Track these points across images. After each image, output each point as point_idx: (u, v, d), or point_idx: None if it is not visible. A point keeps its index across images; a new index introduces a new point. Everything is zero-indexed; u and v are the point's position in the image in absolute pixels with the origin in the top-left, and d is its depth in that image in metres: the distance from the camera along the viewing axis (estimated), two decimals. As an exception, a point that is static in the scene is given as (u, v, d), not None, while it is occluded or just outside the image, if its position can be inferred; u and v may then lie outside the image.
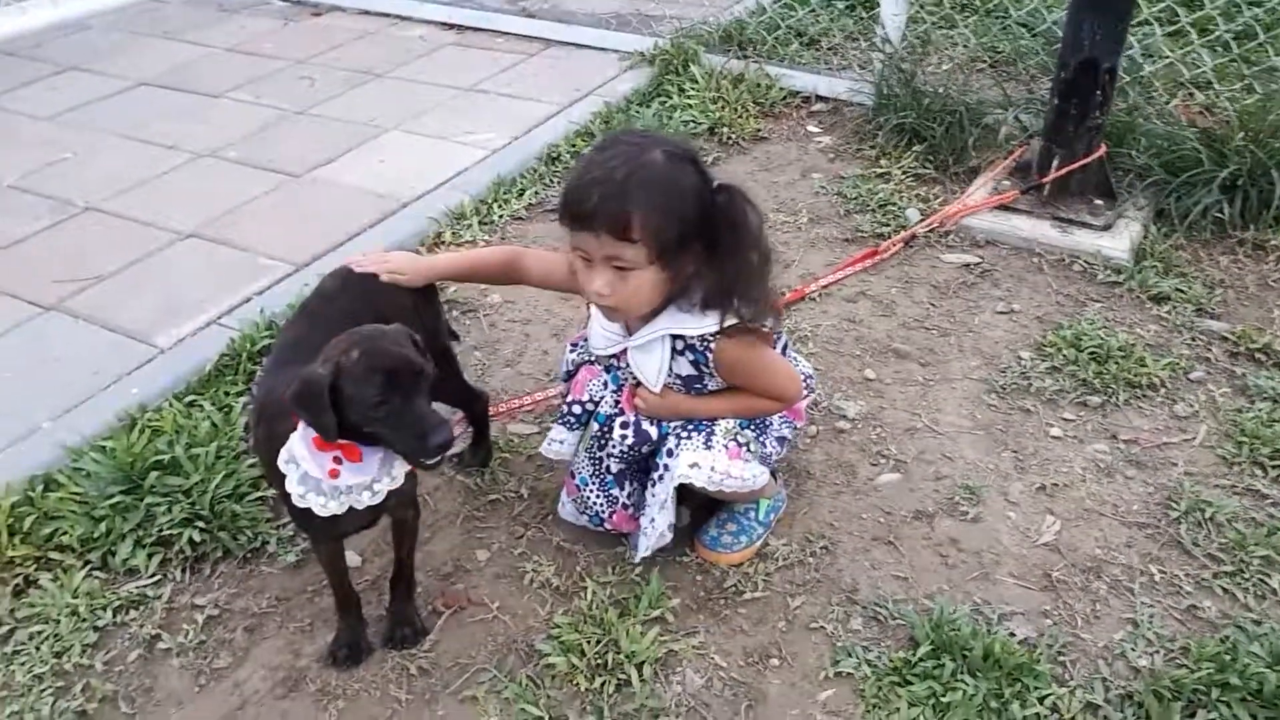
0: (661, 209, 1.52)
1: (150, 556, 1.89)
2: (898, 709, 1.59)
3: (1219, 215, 2.75)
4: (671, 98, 3.59)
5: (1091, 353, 2.34)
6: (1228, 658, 1.61)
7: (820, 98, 3.64)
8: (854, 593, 1.81)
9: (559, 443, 1.88)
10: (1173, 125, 2.98)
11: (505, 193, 3.08)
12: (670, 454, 1.74)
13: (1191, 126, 2.94)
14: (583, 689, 1.64)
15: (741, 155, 3.33)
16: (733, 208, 1.58)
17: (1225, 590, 1.79)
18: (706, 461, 1.72)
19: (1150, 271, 2.63)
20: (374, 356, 1.42)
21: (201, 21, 4.60)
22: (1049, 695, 1.60)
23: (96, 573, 1.88)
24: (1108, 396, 2.24)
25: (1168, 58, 3.32)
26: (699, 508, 1.92)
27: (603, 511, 1.85)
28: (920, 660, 1.65)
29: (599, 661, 1.68)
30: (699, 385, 1.74)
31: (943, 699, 1.59)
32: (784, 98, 3.63)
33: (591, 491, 1.85)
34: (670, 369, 1.72)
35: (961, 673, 1.62)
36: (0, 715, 1.64)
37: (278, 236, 2.85)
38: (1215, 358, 2.35)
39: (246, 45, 4.31)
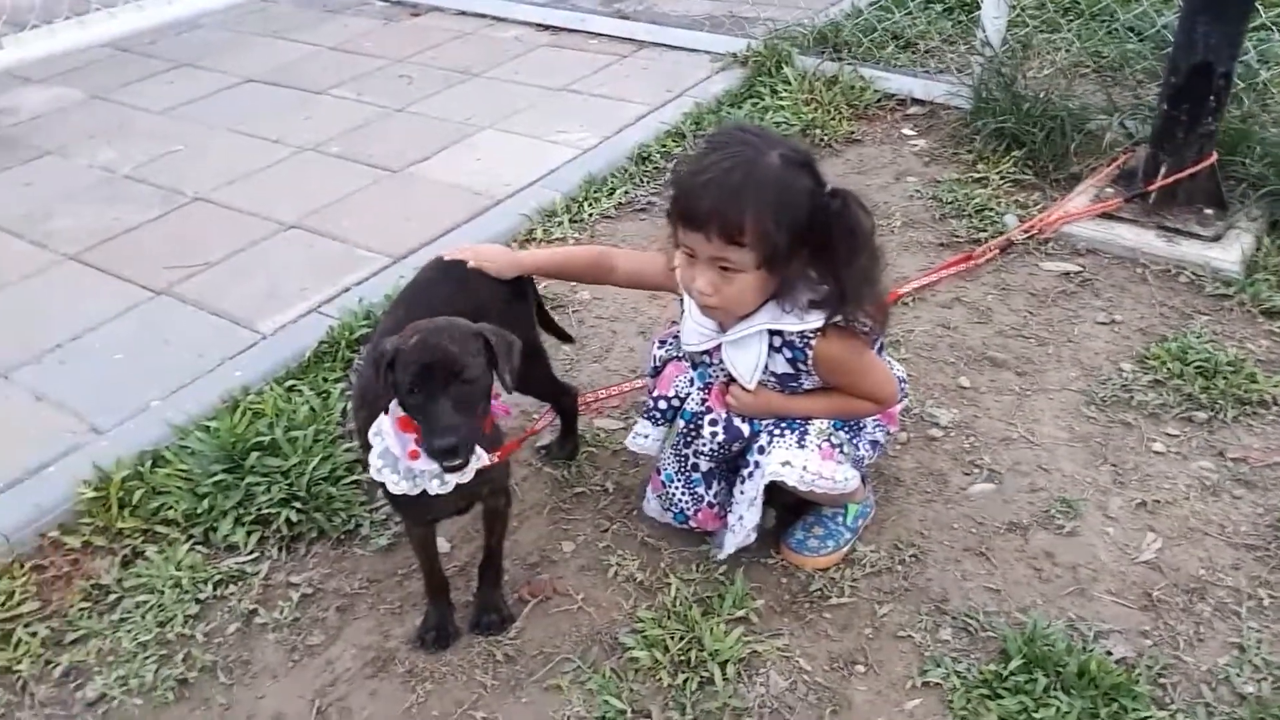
0: (774, 215, 1.51)
1: (249, 534, 1.96)
2: (987, 723, 1.55)
3: (1340, 228, 2.63)
4: (764, 99, 3.57)
5: (1198, 367, 2.25)
6: (1344, 690, 1.53)
7: (916, 100, 3.59)
8: (944, 603, 1.77)
9: (644, 437, 1.88)
10: (1291, 133, 2.86)
11: (596, 191, 3.11)
12: (762, 451, 1.73)
13: (1312, 135, 2.81)
14: (665, 684, 1.64)
15: (834, 157, 3.30)
16: (847, 213, 1.56)
17: (1341, 619, 1.70)
18: (799, 460, 1.70)
19: (1263, 285, 2.52)
20: (421, 347, 1.43)
21: (306, 21, 4.75)
22: (1148, 717, 1.54)
23: (199, 547, 1.95)
24: (1215, 413, 2.15)
25: (1287, 63, 3.18)
26: (785, 509, 1.91)
27: (687, 509, 1.85)
28: (1011, 674, 1.60)
29: (682, 658, 1.67)
30: (794, 384, 1.73)
31: (1034, 714, 1.54)
32: (878, 100, 3.58)
33: (677, 488, 1.85)
34: (766, 366, 1.71)
35: (1055, 689, 1.58)
36: (107, 679, 1.71)
37: (376, 229, 2.93)
38: (1333, 376, 2.24)
39: (348, 44, 4.44)
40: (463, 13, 4.72)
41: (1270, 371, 2.24)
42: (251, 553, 1.94)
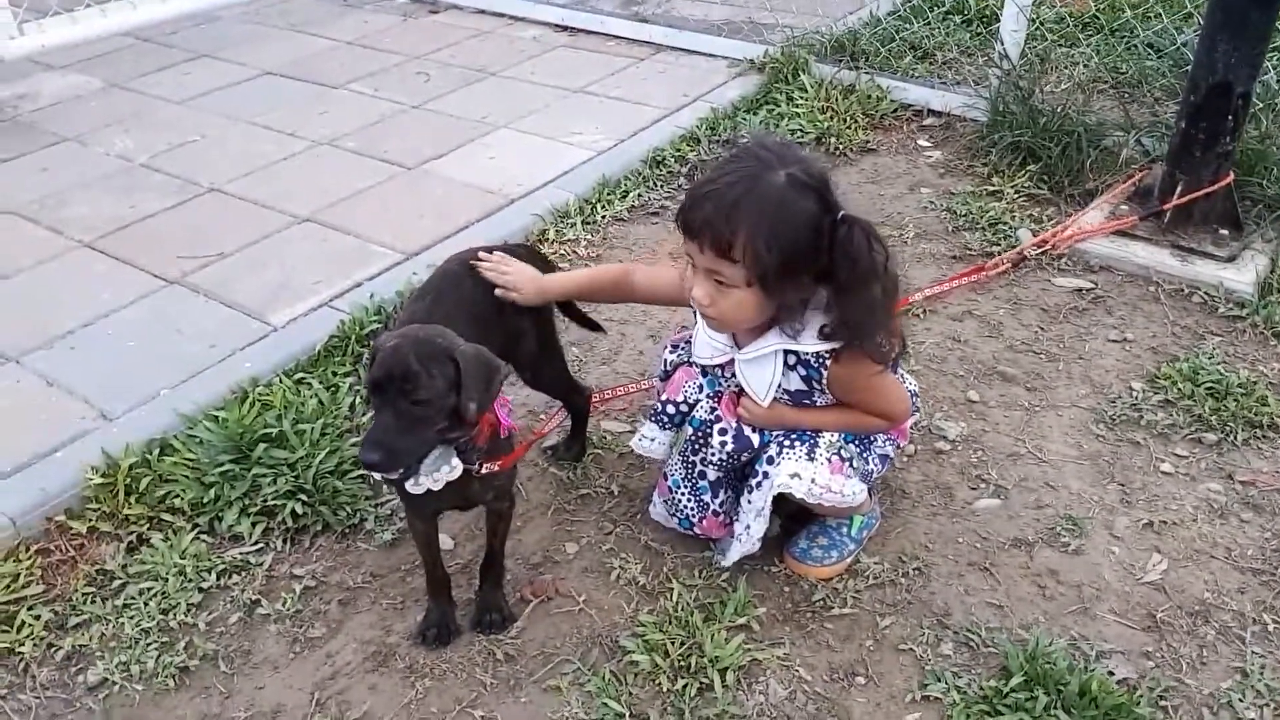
0: (766, 235, 1.49)
1: (254, 525, 1.96)
2: (986, 739, 1.55)
3: (1356, 252, 2.61)
4: (779, 106, 3.57)
5: (1209, 388, 2.24)
6: (1347, 717, 1.53)
7: (932, 112, 3.58)
8: (946, 617, 1.77)
9: (649, 439, 1.88)
10: (1309, 156, 2.85)
11: (609, 194, 3.11)
12: (771, 461, 1.73)
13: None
14: (664, 689, 1.64)
15: (849, 167, 3.30)
16: (850, 243, 1.52)
17: (1346, 646, 1.69)
18: (808, 473, 1.70)
19: (1277, 307, 2.51)
20: (385, 357, 1.43)
21: (325, 15, 4.76)
22: (1148, 739, 1.54)
23: (204, 536, 1.96)
24: (1224, 435, 2.14)
25: (1307, 85, 3.17)
26: (789, 518, 1.90)
27: (692, 516, 1.85)
28: (1012, 691, 1.60)
29: (682, 663, 1.67)
30: (807, 400, 1.72)
31: (1034, 733, 1.54)
32: (895, 110, 3.58)
33: (683, 495, 1.84)
34: (780, 384, 1.70)
35: (1055, 708, 1.57)
36: (109, 664, 1.72)
37: (389, 225, 2.94)
38: (1345, 401, 2.23)
39: (367, 39, 4.45)
40: (482, 11, 4.73)
41: (1281, 395, 2.24)
42: (256, 543, 1.94)
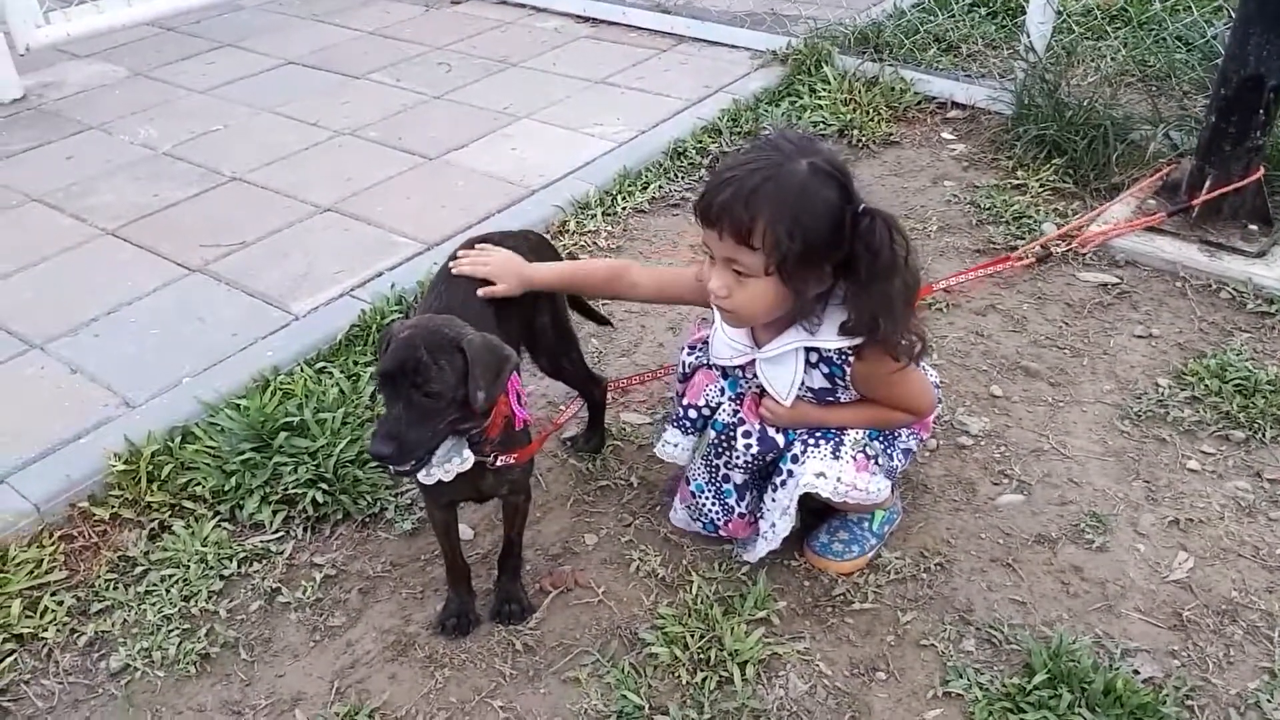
0: (787, 222, 1.47)
1: (275, 513, 1.97)
2: (1009, 737, 1.54)
3: (1389, 249, 2.57)
4: (802, 98, 3.55)
5: (1237, 385, 2.21)
6: (1377, 720, 1.50)
7: (957, 104, 3.55)
8: (968, 613, 1.75)
9: (673, 445, 1.86)
10: (1343, 150, 2.80)
11: (630, 185, 3.10)
12: (796, 460, 1.71)
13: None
14: (684, 682, 1.64)
15: (871, 159, 3.27)
16: (872, 234, 1.50)
17: (1377, 648, 1.67)
18: (833, 472, 1.68)
19: (1307, 304, 2.47)
20: (395, 349, 1.43)
21: (347, 5, 4.77)
22: (1174, 740, 1.52)
23: (225, 524, 1.96)
24: (1253, 432, 2.11)
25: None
26: (810, 513, 1.89)
27: (718, 519, 1.83)
28: (1035, 689, 1.58)
29: (702, 656, 1.67)
30: (830, 397, 1.70)
31: (1058, 731, 1.52)
32: (918, 103, 3.55)
33: (707, 499, 1.82)
34: (802, 382, 1.68)
35: (1079, 706, 1.55)
36: (131, 650, 1.73)
37: (410, 216, 2.94)
38: (1377, 400, 2.19)
39: (388, 30, 4.46)
40: (503, 2, 4.73)
41: (1311, 392, 2.20)
42: (276, 532, 1.95)
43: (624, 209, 3.00)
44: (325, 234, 2.87)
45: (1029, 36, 3.50)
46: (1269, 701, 1.58)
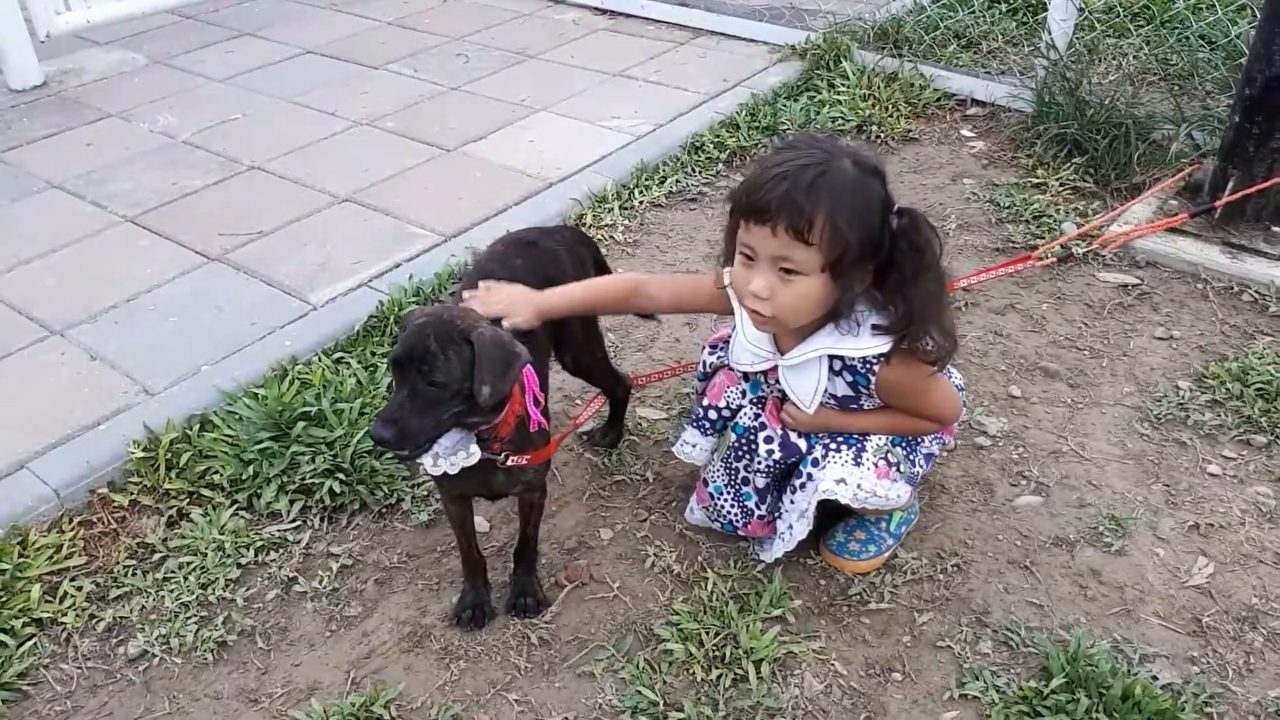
0: (847, 217, 1.44)
1: (292, 503, 1.97)
2: (1025, 739, 1.53)
3: None
4: (820, 93, 3.53)
5: (1259, 389, 2.19)
6: (1398, 730, 1.49)
7: (976, 101, 3.53)
8: (985, 615, 1.75)
9: (692, 446, 1.86)
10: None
11: (647, 179, 3.09)
12: (816, 464, 1.70)
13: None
14: (699, 679, 1.64)
15: (891, 156, 3.26)
16: (916, 232, 1.49)
17: (1398, 657, 1.65)
18: (854, 479, 1.67)
19: (1331, 308, 2.45)
20: (409, 334, 1.43)
21: (366, -5, 4.77)
22: (1191, 746, 1.51)
23: (242, 512, 1.97)
24: (1275, 437, 2.10)
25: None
26: (827, 512, 1.88)
27: (737, 521, 1.82)
28: (1053, 693, 1.58)
29: (717, 654, 1.67)
30: (854, 405, 1.68)
31: (1074, 735, 1.52)
32: (938, 99, 3.53)
33: (725, 501, 1.82)
34: (825, 389, 1.66)
35: (1097, 710, 1.55)
36: (149, 637, 1.74)
37: (428, 207, 2.94)
38: (1400, 406, 2.17)
39: (407, 20, 4.45)
40: (521, -7, 4.72)
41: (1334, 398, 2.18)
42: (293, 521, 1.96)
43: (641, 203, 2.99)
44: (343, 224, 2.87)
45: (1050, 33, 3.48)
46: (1288, 709, 1.57)
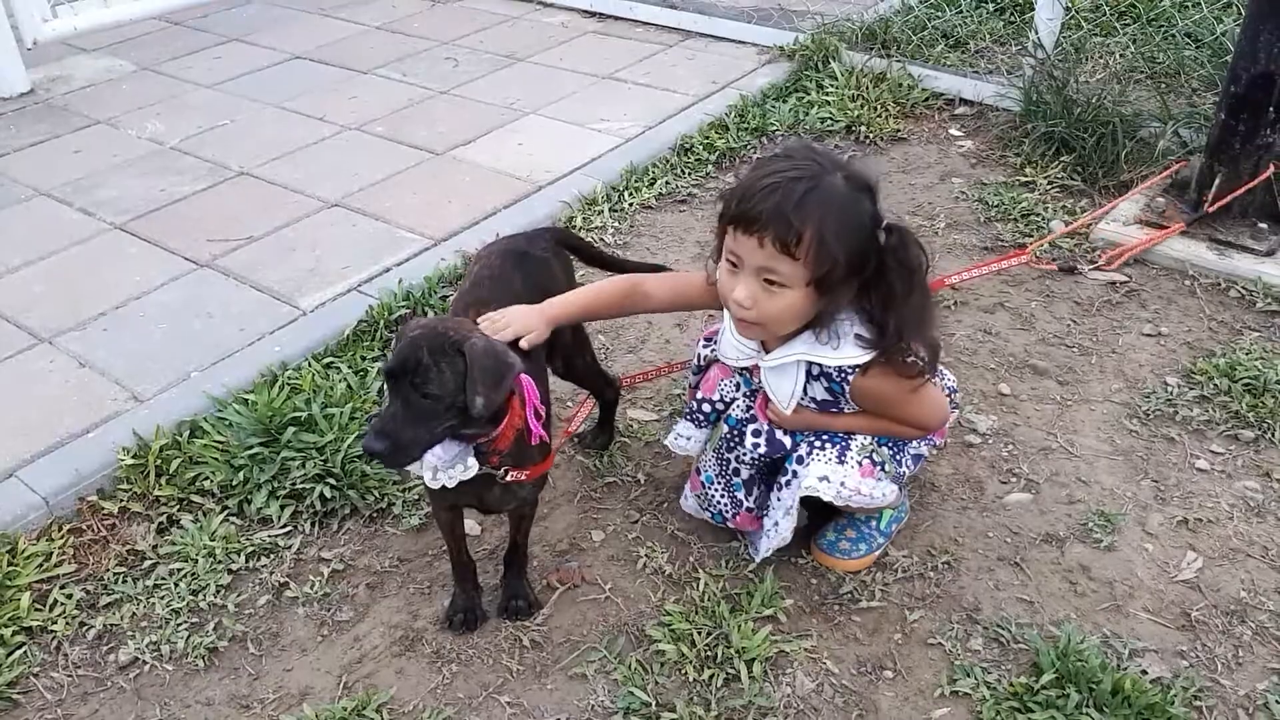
0: (834, 234, 1.45)
1: (283, 508, 1.97)
2: (1016, 736, 1.53)
3: (1400, 248, 2.56)
4: (809, 94, 3.54)
5: (1246, 384, 2.20)
6: (1386, 721, 1.50)
7: (964, 101, 3.54)
8: (975, 612, 1.75)
9: (685, 439, 1.87)
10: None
11: (637, 181, 3.10)
12: (801, 461, 1.71)
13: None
14: (691, 679, 1.64)
15: (879, 156, 3.27)
16: (905, 249, 1.50)
17: (1386, 649, 1.66)
18: (837, 476, 1.68)
19: (1317, 303, 2.46)
20: (403, 345, 1.43)
21: None
22: (1181, 740, 1.52)
23: (233, 518, 1.97)
24: (1262, 431, 2.11)
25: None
26: (817, 511, 1.89)
27: (726, 511, 1.83)
28: (1043, 688, 1.58)
29: (709, 654, 1.67)
30: (834, 409, 1.69)
31: (1065, 730, 1.52)
32: (926, 99, 3.54)
33: (716, 490, 1.83)
34: (805, 392, 1.67)
35: (1087, 706, 1.55)
36: (140, 644, 1.73)
37: (417, 211, 2.94)
38: (1387, 400, 2.19)
39: (395, 24, 4.45)
40: (510, -4, 4.72)
41: (1321, 392, 2.19)
42: (284, 526, 1.95)
43: (631, 205, 3.00)
44: (332, 229, 2.87)
45: (1037, 33, 3.49)
46: (1278, 703, 1.58)
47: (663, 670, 1.66)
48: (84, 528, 1.94)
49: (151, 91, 3.81)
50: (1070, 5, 3.72)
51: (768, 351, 1.67)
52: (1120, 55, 3.63)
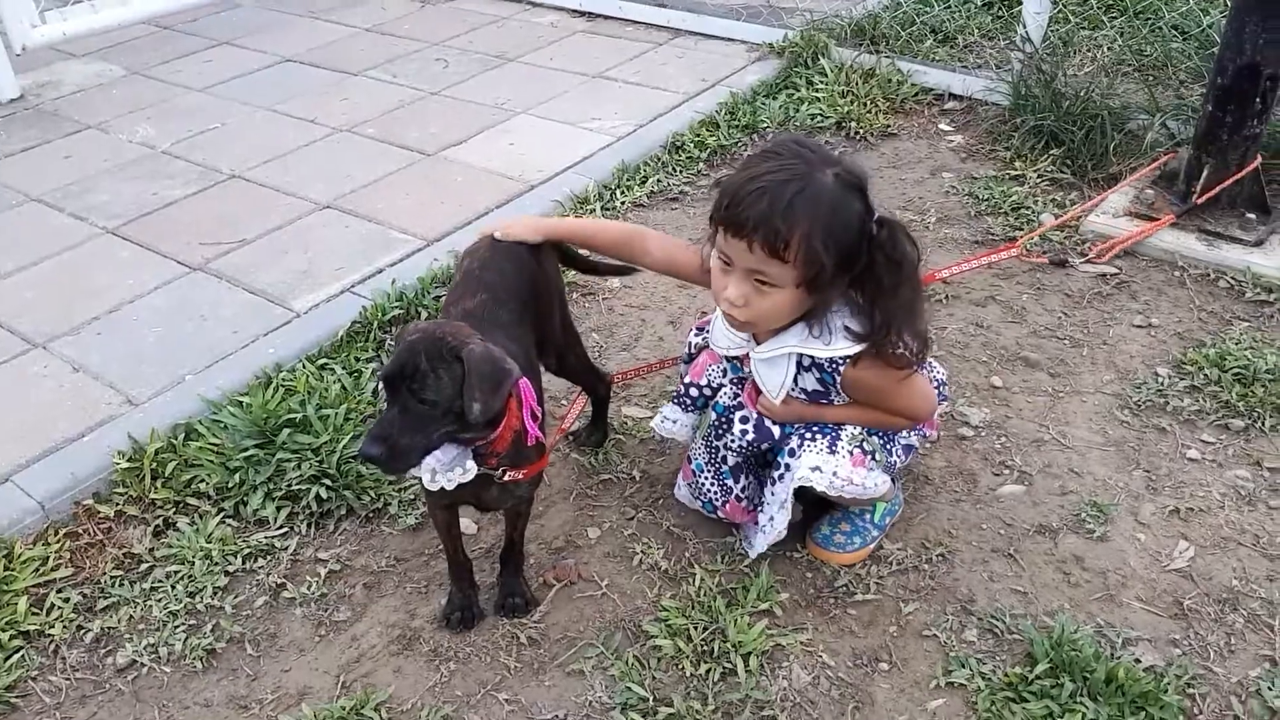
0: (823, 237, 1.45)
1: (279, 509, 1.97)
2: (1011, 725, 1.54)
3: (1387, 237, 2.57)
4: (799, 90, 3.55)
5: (1236, 374, 2.22)
6: (1377, 705, 1.51)
7: (954, 96, 3.55)
8: (970, 603, 1.76)
9: (671, 421, 1.88)
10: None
11: (628, 179, 3.11)
12: (792, 454, 1.72)
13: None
14: (688, 674, 1.65)
15: (870, 151, 3.28)
16: (894, 244, 1.50)
17: (1376, 634, 1.68)
18: (829, 466, 1.68)
19: (1306, 292, 2.48)
20: (400, 349, 1.43)
21: (343, 2, 4.76)
22: (1175, 727, 1.53)
23: (229, 520, 1.97)
24: (1252, 421, 2.12)
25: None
26: (812, 504, 1.90)
27: (716, 499, 1.85)
28: (1038, 678, 1.59)
29: (705, 648, 1.68)
30: (825, 399, 1.70)
31: None
32: (916, 94, 3.55)
33: (706, 478, 1.84)
34: (796, 383, 1.68)
35: (1081, 695, 1.56)
36: (137, 646, 1.74)
37: (409, 212, 2.94)
38: (1375, 388, 2.20)
39: (385, 26, 4.45)
40: (500, -3, 4.72)
41: (1310, 381, 2.21)
42: (281, 528, 1.96)
43: (622, 203, 3.00)
44: (325, 231, 2.87)
45: (1025, 27, 3.51)
46: (1270, 690, 1.59)
47: (660, 665, 1.67)
48: (80, 531, 1.94)
49: (142, 96, 3.81)
50: (1058, -1, 3.74)
51: (759, 343, 1.68)
52: (1108, 48, 3.64)
